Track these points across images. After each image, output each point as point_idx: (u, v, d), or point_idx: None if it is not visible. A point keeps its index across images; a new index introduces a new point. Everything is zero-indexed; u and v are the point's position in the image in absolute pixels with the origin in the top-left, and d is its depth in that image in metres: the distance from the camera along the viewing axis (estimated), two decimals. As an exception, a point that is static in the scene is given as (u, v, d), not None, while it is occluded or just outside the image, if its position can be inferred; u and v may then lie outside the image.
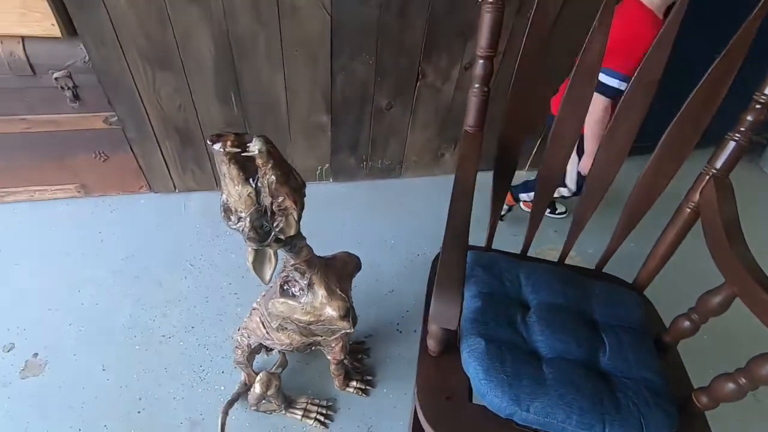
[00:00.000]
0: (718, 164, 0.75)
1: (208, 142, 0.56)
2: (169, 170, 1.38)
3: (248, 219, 0.60)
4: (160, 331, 1.12)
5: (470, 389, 0.72)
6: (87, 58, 1.08)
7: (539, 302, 0.82)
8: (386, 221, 1.44)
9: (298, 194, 0.62)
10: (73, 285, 1.19)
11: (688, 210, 0.79)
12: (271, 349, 1.01)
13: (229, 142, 0.55)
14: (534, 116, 0.82)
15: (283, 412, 0.98)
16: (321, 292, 0.73)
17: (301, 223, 0.65)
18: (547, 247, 1.40)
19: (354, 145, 1.44)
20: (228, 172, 0.57)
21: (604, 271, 0.93)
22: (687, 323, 0.76)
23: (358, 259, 0.85)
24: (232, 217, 0.61)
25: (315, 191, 1.54)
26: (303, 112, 1.30)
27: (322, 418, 0.99)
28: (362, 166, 1.52)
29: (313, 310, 0.74)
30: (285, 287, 0.76)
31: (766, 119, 0.72)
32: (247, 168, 0.58)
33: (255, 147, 0.55)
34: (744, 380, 0.61)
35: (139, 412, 0.98)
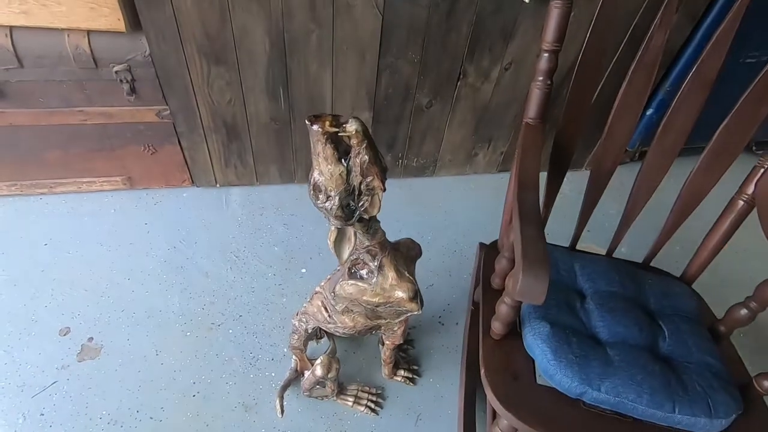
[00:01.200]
0: None
1: (306, 122, 0.59)
2: (212, 164, 1.42)
3: (337, 198, 0.63)
4: (210, 319, 1.14)
5: (534, 371, 0.74)
6: (147, 52, 1.12)
7: (595, 290, 0.84)
8: (421, 218, 1.46)
9: (383, 174, 0.64)
10: (123, 273, 1.22)
11: (741, 202, 0.82)
12: (321, 337, 1.03)
13: (327, 122, 0.58)
14: (591, 115, 0.85)
15: (335, 398, 1.00)
16: (391, 274, 0.76)
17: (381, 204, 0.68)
18: (585, 244, 1.42)
19: (392, 142, 1.47)
20: (323, 151, 0.60)
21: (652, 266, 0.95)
22: (744, 311, 0.78)
23: (420, 246, 0.87)
24: (320, 196, 0.64)
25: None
26: (346, 107, 1.34)
27: (372, 405, 1.01)
28: (398, 164, 1.55)
29: (383, 291, 0.76)
30: (353, 270, 0.79)
31: None
32: (339, 148, 0.61)
33: (352, 127, 0.58)
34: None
35: (194, 395, 1.00)
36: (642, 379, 0.68)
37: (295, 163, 1.47)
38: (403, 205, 1.52)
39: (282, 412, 0.94)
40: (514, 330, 0.79)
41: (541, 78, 0.79)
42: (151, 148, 1.34)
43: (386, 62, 1.25)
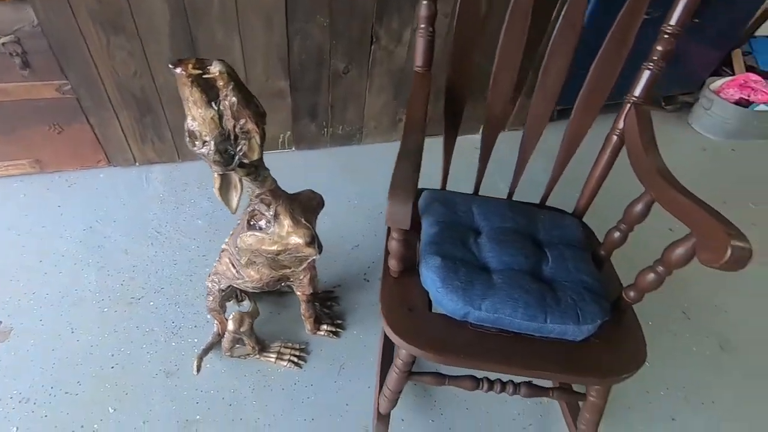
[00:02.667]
0: (637, 92, 0.84)
1: (170, 65, 0.59)
2: (128, 142, 1.38)
3: (212, 142, 0.64)
4: (129, 294, 1.13)
5: (430, 303, 0.79)
6: (36, 22, 1.07)
7: (490, 227, 0.90)
8: (349, 185, 1.49)
9: (260, 119, 0.66)
10: (34, 256, 1.17)
11: (615, 137, 0.89)
12: (242, 300, 1.04)
13: (190, 65, 0.59)
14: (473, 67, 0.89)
15: (257, 356, 1.02)
16: (287, 221, 0.78)
17: (262, 149, 0.69)
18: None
19: (314, 111, 1.48)
20: (191, 95, 0.60)
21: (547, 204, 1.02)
22: (617, 234, 0.86)
23: (321, 197, 0.90)
24: (197, 142, 0.65)
25: (278, 159, 1.59)
26: (261, 76, 1.33)
27: (295, 359, 1.03)
28: (323, 133, 1.56)
29: (280, 239, 0.78)
30: (252, 222, 0.80)
31: (673, 49, 0.81)
32: (209, 93, 0.62)
33: (216, 68, 0.59)
34: (661, 268, 0.71)
35: (112, 367, 0.99)
36: (518, 297, 0.74)
37: (216, 136, 1.45)
38: (333, 173, 1.53)
39: (198, 370, 0.95)
40: (414, 269, 0.83)
41: (423, 26, 0.83)
42: (57, 127, 1.28)
43: (295, 27, 1.25)
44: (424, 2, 0.81)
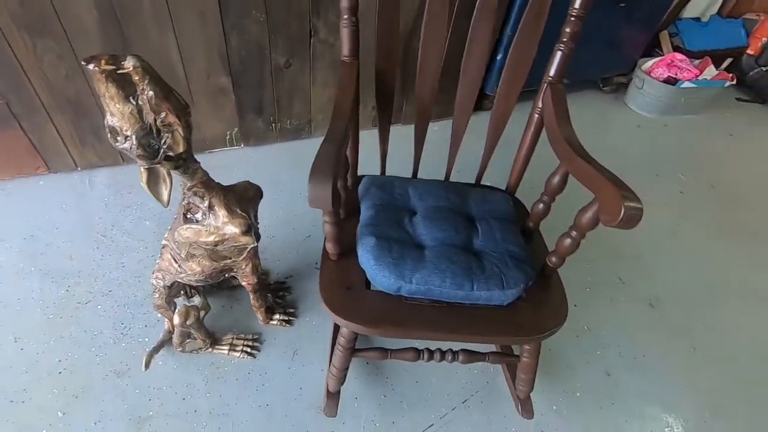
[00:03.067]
0: (552, 72, 0.89)
1: (82, 62, 0.60)
2: (66, 146, 1.35)
3: (134, 136, 0.65)
4: (75, 299, 1.12)
5: (368, 282, 0.83)
6: (-47, 25, 1.04)
7: (425, 207, 0.94)
8: (298, 178, 1.51)
9: (181, 112, 0.67)
10: (-29, 267, 1.14)
11: (536, 116, 0.94)
12: (192, 296, 1.05)
13: (103, 61, 0.60)
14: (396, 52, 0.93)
15: (210, 349, 1.04)
16: (222, 212, 0.80)
17: (188, 142, 0.71)
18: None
19: (259, 106, 1.49)
20: (107, 90, 0.61)
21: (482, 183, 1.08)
22: (541, 206, 0.92)
23: (259, 188, 0.92)
24: (119, 137, 0.66)
25: (226, 157, 1.60)
26: (201, 74, 1.33)
27: (248, 350, 1.06)
28: (271, 128, 1.57)
29: (216, 230, 0.80)
30: (188, 215, 0.82)
31: (580, 30, 0.87)
32: (126, 88, 0.63)
33: (129, 63, 0.61)
34: (575, 233, 0.77)
35: (60, 372, 0.99)
36: (446, 268, 0.79)
37: (160, 136, 1.44)
38: (284, 167, 1.55)
39: (146, 366, 0.96)
40: (353, 251, 0.86)
41: (345, 17, 0.86)
42: (-13, 134, 1.24)
43: (231, 22, 1.26)
44: (345, 9, 0.84)
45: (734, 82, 2.13)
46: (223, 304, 1.15)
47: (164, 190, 0.72)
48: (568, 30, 0.86)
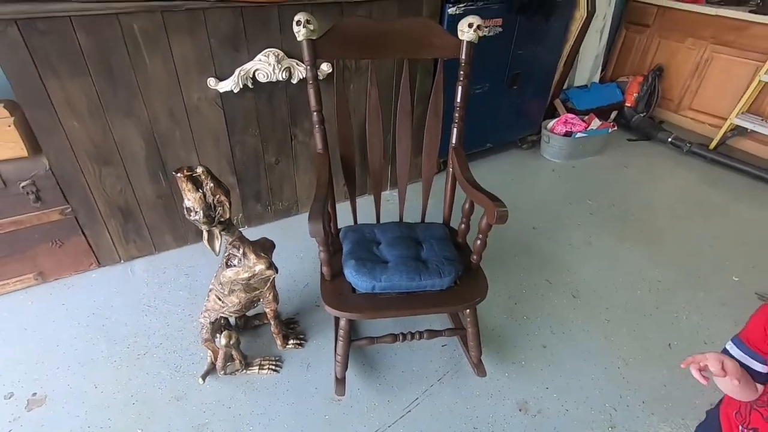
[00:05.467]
0: (453, 141, 1.40)
1: (173, 173, 1.06)
2: (114, 244, 1.76)
3: (201, 211, 1.09)
4: (135, 352, 1.45)
5: (353, 289, 1.23)
6: (48, 167, 1.50)
7: (386, 238, 1.38)
8: (294, 244, 1.94)
9: (227, 194, 1.13)
10: (51, 342, 1.48)
11: (450, 170, 1.44)
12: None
13: (185, 170, 1.06)
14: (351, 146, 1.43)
15: (244, 370, 1.38)
16: (251, 256, 1.21)
17: (231, 212, 1.15)
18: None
19: (257, 195, 1.97)
20: (186, 186, 1.07)
21: (426, 221, 1.54)
22: (463, 225, 1.38)
23: (273, 241, 1.34)
24: (192, 213, 1.09)
25: (236, 238, 2.02)
26: (215, 177, 1.81)
27: (274, 367, 1.40)
28: (268, 210, 2.04)
29: (249, 269, 1.21)
30: (228, 263, 1.23)
31: (464, 114, 1.39)
32: (196, 183, 1.08)
33: (199, 170, 1.07)
34: (480, 235, 1.22)
35: (133, 403, 1.30)
36: (403, 269, 1.21)
37: (185, 228, 1.87)
38: (281, 238, 1.95)
39: (203, 380, 1.29)
40: (340, 274, 1.28)
41: (317, 126, 1.36)
42: (58, 242, 1.65)
43: (235, 139, 1.78)
44: (315, 112, 1.35)
45: (616, 128, 2.77)
46: (249, 340, 1.50)
47: (217, 243, 1.15)
48: (456, 115, 1.38)
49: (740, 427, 0.82)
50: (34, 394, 1.33)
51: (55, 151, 1.48)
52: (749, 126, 2.72)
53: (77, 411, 1.28)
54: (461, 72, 1.29)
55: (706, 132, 3.03)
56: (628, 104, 3.12)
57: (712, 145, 2.85)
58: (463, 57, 1.27)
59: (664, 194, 2.45)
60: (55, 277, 1.72)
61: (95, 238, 1.71)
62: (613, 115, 3.11)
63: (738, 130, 2.85)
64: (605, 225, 2.14)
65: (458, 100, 1.34)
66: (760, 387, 0.76)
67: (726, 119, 2.79)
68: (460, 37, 1.25)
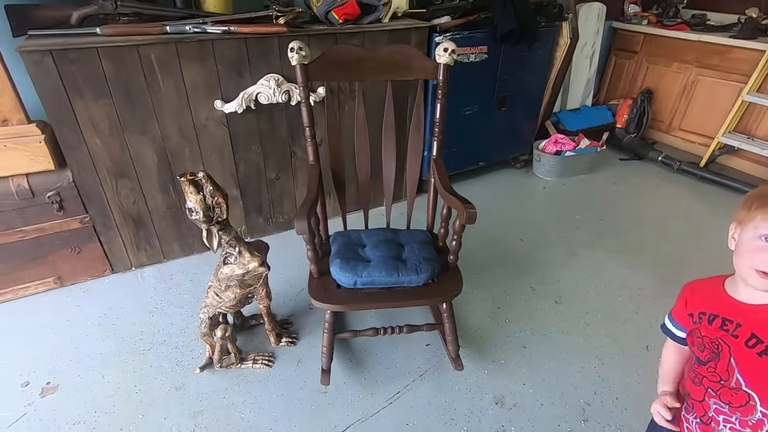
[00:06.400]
0: (434, 153, 1.53)
1: (177, 177, 1.21)
2: (127, 252, 1.91)
3: (201, 211, 1.23)
4: (140, 348, 1.57)
5: (337, 285, 1.35)
6: (71, 179, 1.68)
7: (371, 242, 1.50)
8: (293, 254, 2.06)
9: (225, 197, 1.27)
10: (65, 338, 1.61)
11: (432, 180, 1.57)
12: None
13: (187, 174, 1.21)
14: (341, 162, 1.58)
15: (239, 364, 1.48)
16: (246, 254, 1.34)
17: (228, 213, 1.29)
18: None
19: (260, 208, 2.12)
20: (188, 189, 1.21)
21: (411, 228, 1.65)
22: (442, 230, 1.50)
23: (267, 243, 1.48)
24: (193, 213, 1.24)
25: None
26: (220, 190, 1.97)
27: (266, 362, 1.50)
28: (269, 222, 2.18)
29: (244, 266, 1.34)
30: (225, 261, 1.36)
31: (443, 130, 1.53)
32: (197, 186, 1.23)
33: (200, 174, 1.22)
34: (456, 236, 1.33)
35: (136, 393, 1.41)
36: (383, 266, 1.32)
37: (191, 237, 2.02)
38: (281, 248, 2.10)
39: (201, 370, 1.40)
40: (328, 273, 1.39)
41: (309, 140, 1.51)
42: (76, 248, 1.81)
43: (239, 156, 1.94)
44: (307, 128, 1.50)
45: (604, 148, 2.89)
46: (245, 338, 1.61)
47: (215, 241, 1.28)
48: (436, 129, 1.51)
49: (683, 397, 0.90)
50: (48, 383, 1.45)
51: (78, 164, 1.66)
52: (736, 144, 2.81)
53: (86, 398, 1.39)
54: (439, 91, 1.43)
55: (696, 151, 3.12)
56: (619, 125, 3.24)
57: (702, 163, 2.93)
58: (441, 78, 1.41)
59: (653, 209, 2.53)
60: (71, 282, 1.87)
61: (110, 245, 1.87)
62: (605, 136, 3.22)
63: (726, 149, 2.93)
64: (592, 237, 2.22)
65: (437, 116, 1.48)
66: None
67: (714, 138, 2.89)
68: (437, 60, 1.40)
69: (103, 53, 1.53)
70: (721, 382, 0.77)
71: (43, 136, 1.60)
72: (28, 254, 1.74)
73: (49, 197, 1.67)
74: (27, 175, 1.62)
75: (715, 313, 0.79)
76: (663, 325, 0.91)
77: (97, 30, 1.54)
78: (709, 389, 0.80)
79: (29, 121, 1.59)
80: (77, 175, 1.68)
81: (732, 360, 0.75)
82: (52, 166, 1.64)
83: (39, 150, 1.60)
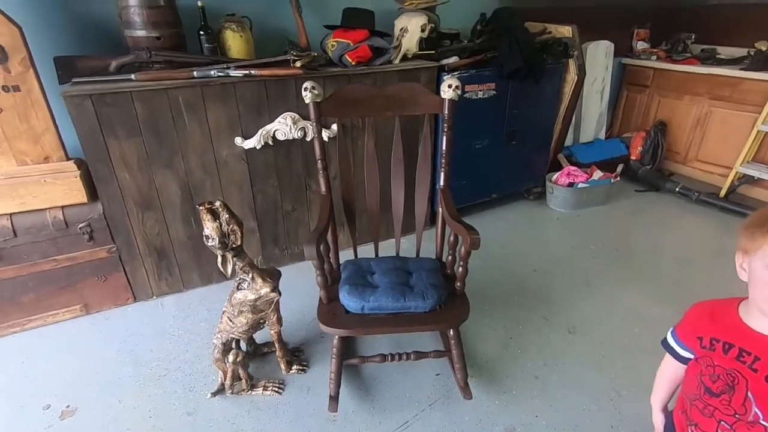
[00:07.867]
0: (441, 183, 1.58)
1: (197, 206, 1.29)
2: (149, 280, 2.00)
3: (217, 238, 1.30)
4: (157, 373, 1.62)
5: (346, 311, 1.38)
6: (102, 211, 1.80)
7: (380, 269, 1.54)
8: (307, 283, 2.09)
9: (240, 225, 1.34)
10: (87, 363, 1.67)
11: (440, 210, 1.61)
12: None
13: (206, 204, 1.29)
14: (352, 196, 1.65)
15: (250, 391, 1.50)
16: (259, 280, 1.40)
17: (243, 240, 1.36)
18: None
19: (276, 239, 2.19)
20: (206, 217, 1.29)
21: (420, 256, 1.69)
22: (450, 258, 1.52)
23: (279, 270, 1.53)
24: (209, 240, 1.31)
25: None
26: (239, 222, 2.06)
27: (277, 389, 1.51)
28: (285, 254, 2.25)
29: (256, 291, 1.39)
30: (239, 286, 1.42)
31: (450, 163, 1.59)
32: (214, 215, 1.31)
33: (217, 203, 1.30)
34: (461, 263, 1.36)
35: (150, 417, 1.44)
36: (390, 292, 1.35)
37: (210, 267, 2.10)
38: (296, 277, 2.15)
39: (213, 396, 1.43)
40: (336, 298, 1.43)
41: (321, 171, 1.59)
42: (103, 277, 1.91)
43: (257, 189, 2.04)
44: (319, 161, 1.59)
45: (618, 179, 2.89)
46: (257, 365, 1.63)
47: (229, 266, 1.35)
48: (443, 161, 1.57)
49: (688, 426, 0.87)
50: (68, 406, 1.49)
51: (109, 197, 1.78)
52: (755, 174, 2.76)
53: (102, 421, 1.43)
54: (445, 124, 1.51)
55: (714, 181, 3.07)
56: (633, 158, 3.24)
57: (722, 193, 2.88)
58: (446, 112, 1.49)
59: (670, 239, 2.48)
60: (96, 309, 1.95)
61: (133, 274, 1.96)
62: (620, 168, 3.22)
63: (746, 178, 2.89)
64: (606, 267, 2.19)
65: (443, 147, 1.54)
66: None
67: (732, 168, 2.85)
68: (443, 95, 1.48)
69: (136, 96, 1.68)
70: (737, 416, 0.75)
71: (79, 171, 1.74)
72: (59, 282, 1.84)
73: (80, 228, 1.78)
74: (63, 207, 1.75)
75: (731, 342, 0.76)
76: (665, 341, 0.90)
77: (132, 76, 1.70)
78: (723, 422, 0.77)
79: (68, 158, 1.74)
80: (107, 207, 1.80)
81: (749, 393, 0.73)
82: (85, 199, 1.76)
83: (74, 184, 1.73)
